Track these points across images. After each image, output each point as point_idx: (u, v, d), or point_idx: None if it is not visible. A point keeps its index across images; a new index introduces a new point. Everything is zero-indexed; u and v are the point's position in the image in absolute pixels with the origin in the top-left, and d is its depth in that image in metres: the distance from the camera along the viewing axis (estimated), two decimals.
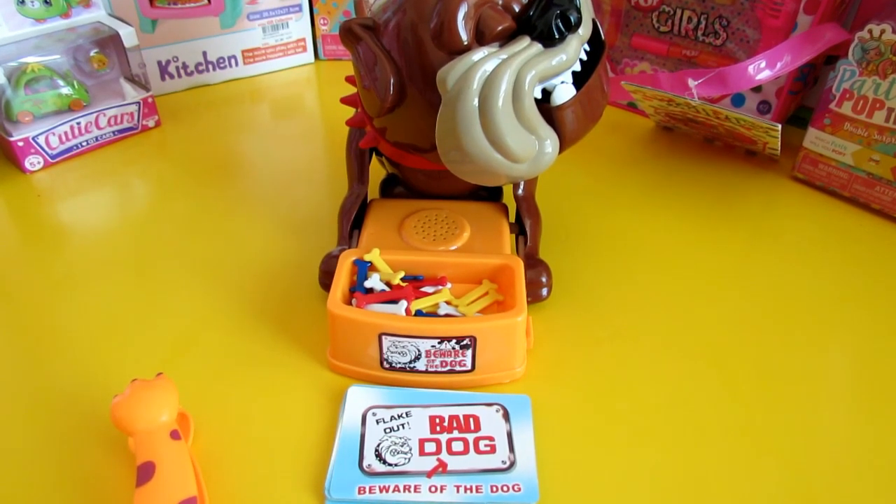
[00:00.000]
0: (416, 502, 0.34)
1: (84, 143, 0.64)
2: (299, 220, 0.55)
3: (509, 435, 0.38)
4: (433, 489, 0.35)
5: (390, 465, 0.36)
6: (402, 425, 0.38)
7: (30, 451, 0.38)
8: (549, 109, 0.37)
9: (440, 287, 0.43)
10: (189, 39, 0.73)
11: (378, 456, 0.36)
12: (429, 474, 0.36)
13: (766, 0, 0.56)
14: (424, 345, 0.39)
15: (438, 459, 0.36)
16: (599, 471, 0.36)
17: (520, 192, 0.48)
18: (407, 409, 0.39)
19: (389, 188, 0.52)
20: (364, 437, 0.37)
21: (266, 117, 0.73)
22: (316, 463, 0.37)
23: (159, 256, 0.52)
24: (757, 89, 0.61)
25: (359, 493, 0.35)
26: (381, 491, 0.35)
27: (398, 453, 0.37)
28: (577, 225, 0.54)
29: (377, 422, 0.38)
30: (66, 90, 0.62)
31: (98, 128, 0.64)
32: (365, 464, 0.36)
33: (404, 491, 0.35)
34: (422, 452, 0.37)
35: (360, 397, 0.40)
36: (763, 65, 0.53)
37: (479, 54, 0.36)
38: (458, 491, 0.35)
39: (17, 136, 0.59)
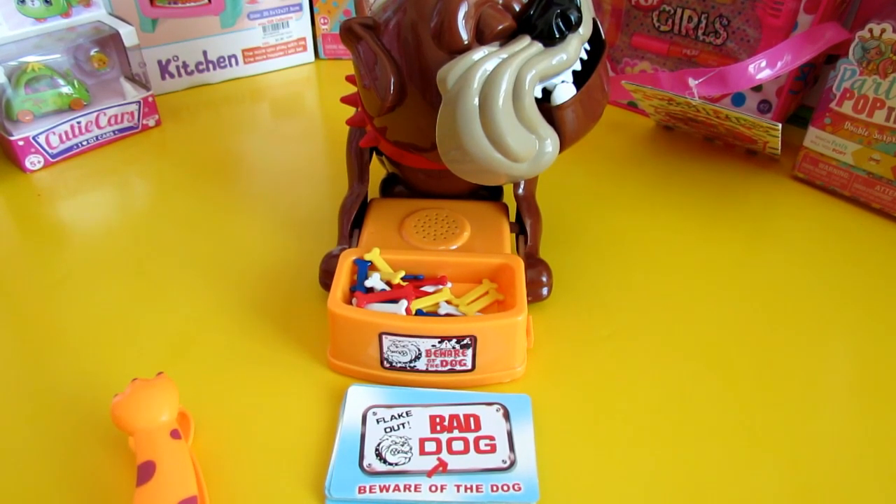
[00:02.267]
0: (416, 502, 0.34)
1: (84, 143, 0.64)
2: (299, 220, 0.55)
3: (509, 434, 0.38)
4: (433, 488, 0.35)
5: (391, 464, 0.36)
6: (403, 425, 0.38)
7: (30, 451, 0.38)
8: (549, 109, 0.37)
9: (440, 286, 0.43)
10: (189, 39, 0.73)
11: (378, 455, 0.36)
12: (429, 474, 0.36)
13: None
14: (425, 344, 0.39)
15: (439, 459, 0.36)
16: (599, 470, 0.36)
17: (520, 191, 0.48)
18: (407, 409, 0.39)
19: (390, 187, 0.52)
20: (364, 436, 0.37)
21: (266, 117, 0.73)
22: (316, 462, 0.37)
23: (159, 256, 0.52)
24: (757, 88, 0.61)
25: (359, 492, 0.35)
26: (381, 490, 0.35)
27: (398, 453, 0.37)
28: (577, 225, 0.54)
29: (377, 421, 0.38)
30: (66, 89, 0.62)
31: (98, 127, 0.64)
32: (365, 463, 0.36)
33: (404, 490, 0.35)
34: (422, 452, 0.37)
35: (360, 397, 0.40)
36: (763, 64, 0.53)
37: (479, 53, 0.36)
38: (458, 490, 0.35)
39: (18, 135, 0.59)
